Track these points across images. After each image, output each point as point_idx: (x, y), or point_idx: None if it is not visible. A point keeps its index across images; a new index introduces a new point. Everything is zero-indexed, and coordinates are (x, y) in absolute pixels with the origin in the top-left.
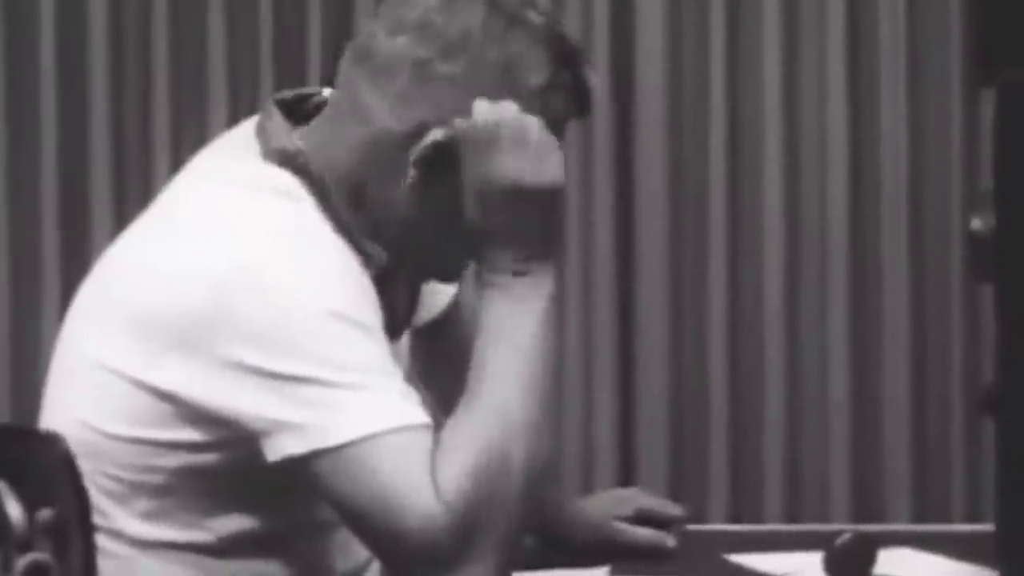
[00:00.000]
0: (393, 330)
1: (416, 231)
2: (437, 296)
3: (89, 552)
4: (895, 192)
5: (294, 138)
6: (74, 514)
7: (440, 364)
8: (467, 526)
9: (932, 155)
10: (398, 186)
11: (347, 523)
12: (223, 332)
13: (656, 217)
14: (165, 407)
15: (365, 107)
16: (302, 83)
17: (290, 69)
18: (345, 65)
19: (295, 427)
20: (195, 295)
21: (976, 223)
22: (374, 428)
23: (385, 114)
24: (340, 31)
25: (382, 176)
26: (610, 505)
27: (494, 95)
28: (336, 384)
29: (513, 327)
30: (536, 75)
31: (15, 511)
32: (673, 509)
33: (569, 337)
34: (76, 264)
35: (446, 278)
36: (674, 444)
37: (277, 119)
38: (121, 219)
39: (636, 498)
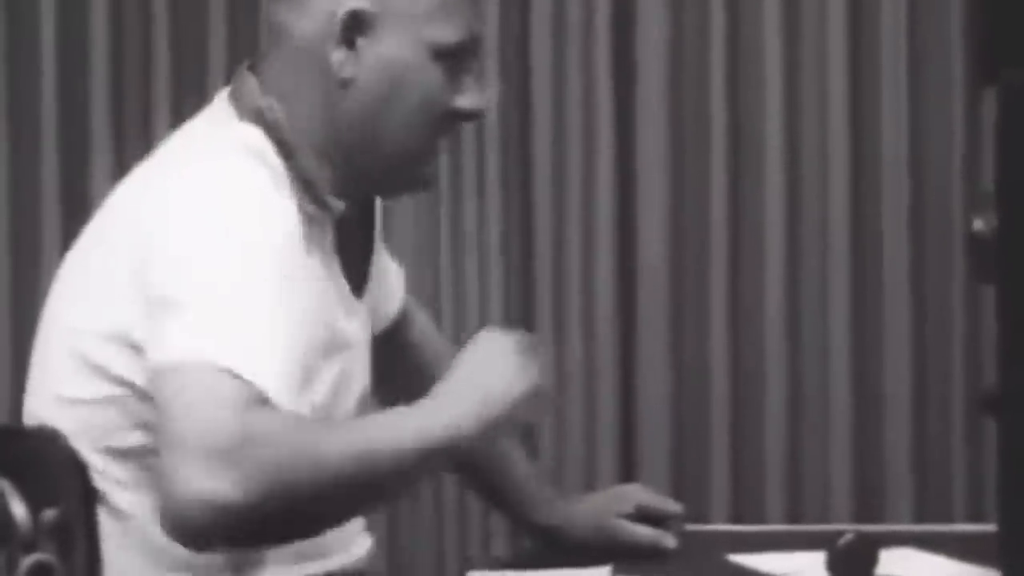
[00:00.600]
0: (355, 283)
1: (370, 118)
2: (388, 305)
3: (94, 552)
4: (896, 192)
5: (265, 96)
6: (78, 514)
7: (390, 372)
8: (241, 498)
9: (933, 155)
10: (337, 82)
11: None
12: (150, 264)
13: (657, 218)
14: (125, 352)
15: (281, 28)
16: None
17: None
18: (264, 9)
19: (154, 342)
20: (143, 240)
21: (978, 223)
22: (207, 358)
23: (297, 23)
24: None
25: (323, 83)
26: (610, 502)
27: None
28: (207, 310)
29: (417, 417)
30: None
31: (20, 511)
32: (672, 506)
33: (570, 337)
34: None
35: (417, 177)
36: (675, 445)
37: (250, 82)
38: None
39: (636, 494)
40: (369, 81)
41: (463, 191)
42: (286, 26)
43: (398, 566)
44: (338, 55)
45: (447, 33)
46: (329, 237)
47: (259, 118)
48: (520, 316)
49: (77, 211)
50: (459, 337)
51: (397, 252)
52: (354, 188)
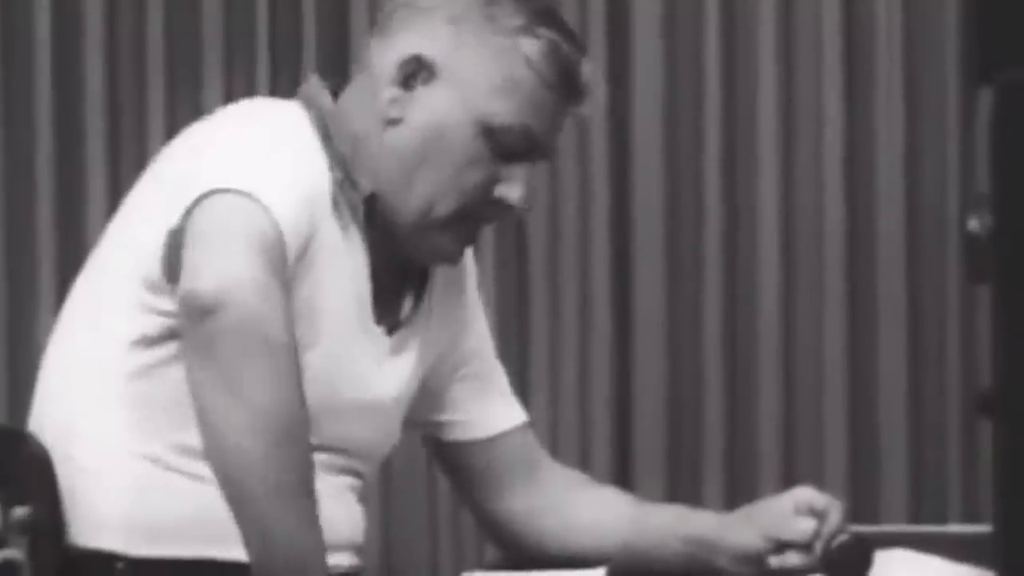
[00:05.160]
0: (380, 293)
1: (404, 163)
2: (468, 410)
3: (61, 550)
4: (891, 193)
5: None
6: (47, 513)
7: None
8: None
9: (928, 154)
10: (384, 118)
11: None
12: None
13: (653, 220)
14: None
15: (366, 59)
16: (297, 80)
17: (286, 67)
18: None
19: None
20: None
21: (973, 224)
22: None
23: (377, 55)
24: (335, 20)
25: (374, 115)
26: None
27: (469, 25)
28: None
29: None
30: (512, 18)
31: None
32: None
33: (566, 336)
34: (72, 263)
35: (437, 246)
36: (670, 445)
37: (313, 80)
38: None
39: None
40: (413, 128)
41: None
42: (370, 57)
43: (392, 566)
44: (389, 92)
45: (500, 114)
46: (355, 227)
47: (309, 102)
48: (517, 315)
49: (73, 212)
50: None
51: None
52: (379, 228)
